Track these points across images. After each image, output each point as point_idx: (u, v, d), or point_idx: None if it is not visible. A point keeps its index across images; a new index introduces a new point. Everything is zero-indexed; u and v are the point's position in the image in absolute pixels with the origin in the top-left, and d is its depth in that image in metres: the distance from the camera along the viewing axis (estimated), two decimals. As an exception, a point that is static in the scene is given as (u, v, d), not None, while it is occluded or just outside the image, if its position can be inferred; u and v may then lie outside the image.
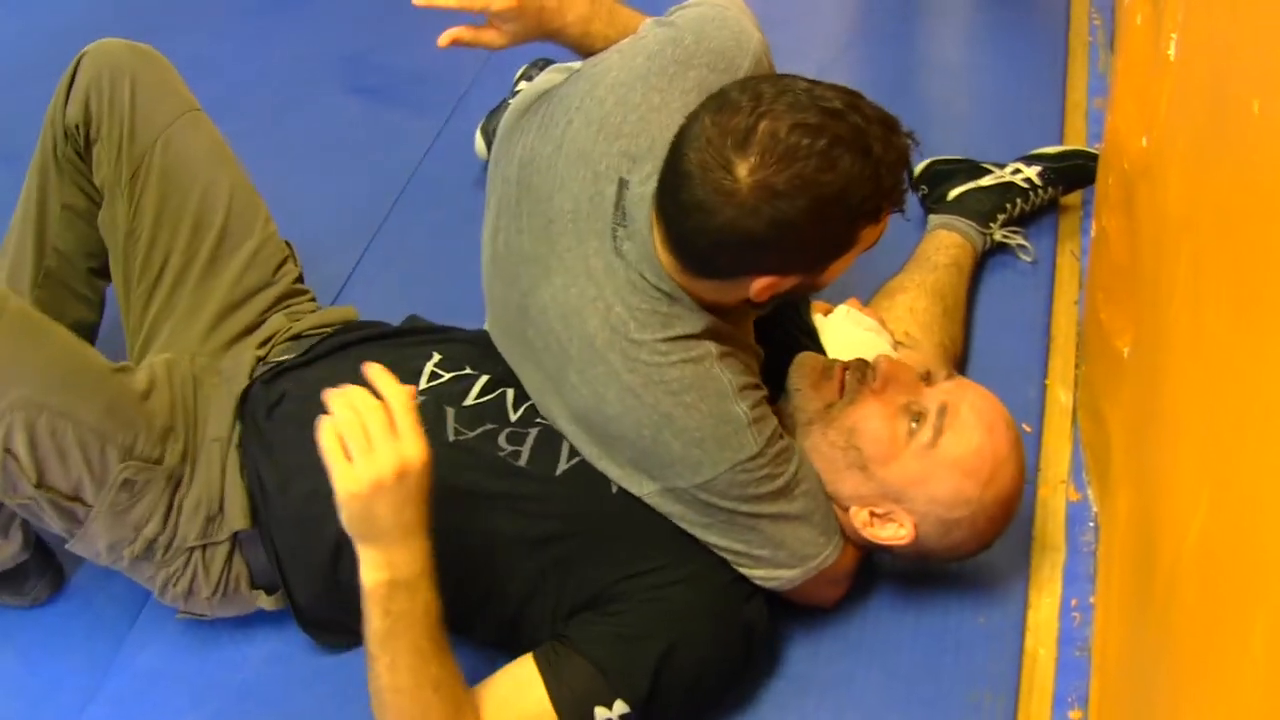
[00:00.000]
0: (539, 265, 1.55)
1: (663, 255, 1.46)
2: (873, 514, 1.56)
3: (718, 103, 1.37)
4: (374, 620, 1.37)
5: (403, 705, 1.40)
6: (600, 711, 1.43)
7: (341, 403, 1.35)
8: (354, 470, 1.32)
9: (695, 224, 1.37)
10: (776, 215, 1.32)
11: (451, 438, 1.59)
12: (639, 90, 1.53)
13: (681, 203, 1.37)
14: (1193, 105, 1.34)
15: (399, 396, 1.35)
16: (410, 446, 1.33)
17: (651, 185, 1.46)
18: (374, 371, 1.38)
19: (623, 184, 1.49)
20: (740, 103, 1.34)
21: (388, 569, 1.35)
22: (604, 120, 1.52)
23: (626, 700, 1.44)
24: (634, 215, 1.48)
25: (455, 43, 1.66)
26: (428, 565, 1.38)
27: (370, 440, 1.33)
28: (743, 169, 1.32)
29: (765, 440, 1.48)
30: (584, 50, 1.71)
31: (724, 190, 1.32)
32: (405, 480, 1.33)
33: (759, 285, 1.41)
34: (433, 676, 1.39)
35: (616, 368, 1.48)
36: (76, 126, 1.80)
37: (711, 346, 1.48)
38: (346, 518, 1.35)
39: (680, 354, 1.46)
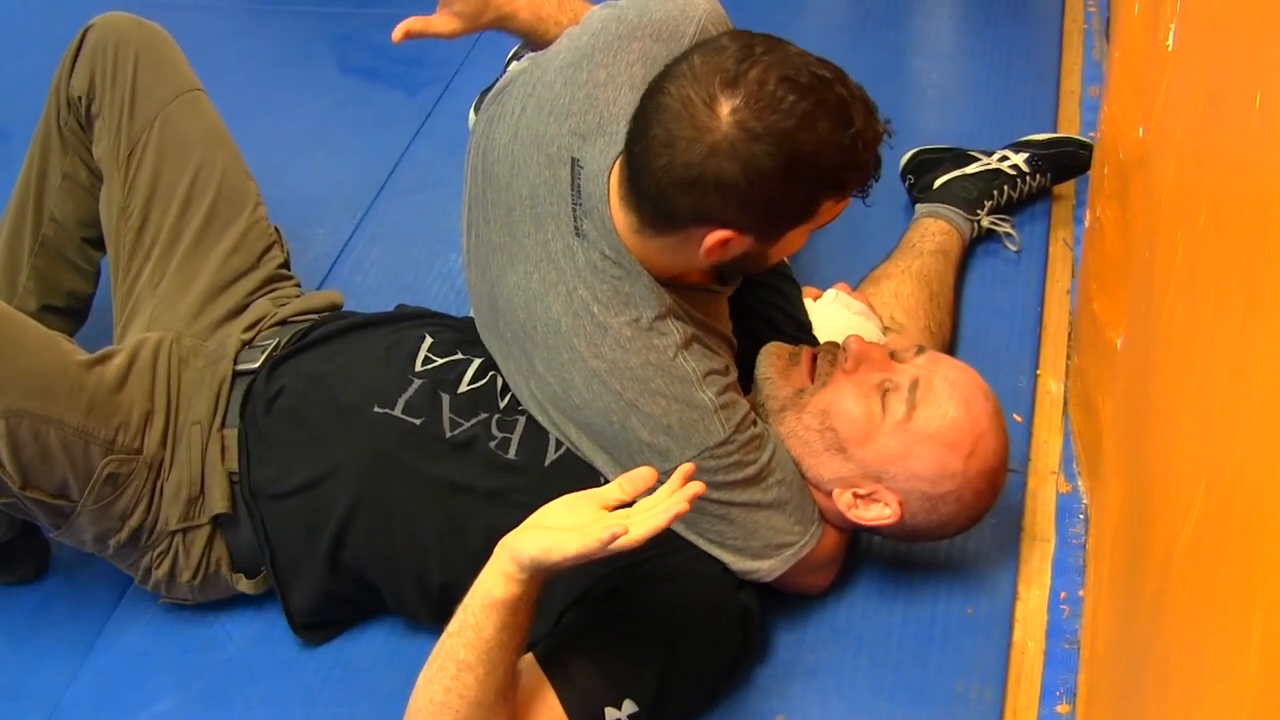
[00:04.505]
0: (504, 254, 1.55)
1: (619, 220, 1.45)
2: (856, 495, 1.55)
3: (708, 46, 1.36)
4: (488, 630, 1.31)
5: (474, 717, 1.35)
6: (610, 712, 1.41)
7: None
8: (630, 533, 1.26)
9: (664, 162, 1.35)
10: (749, 160, 1.32)
11: (449, 433, 1.58)
12: (585, 68, 1.52)
13: (652, 138, 1.35)
14: (1191, 96, 1.33)
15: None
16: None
17: (603, 160, 1.46)
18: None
19: (575, 164, 1.48)
20: (731, 49, 1.34)
21: (526, 586, 1.31)
22: (553, 102, 1.52)
23: (635, 700, 1.42)
24: (589, 192, 1.47)
25: (408, 35, 1.68)
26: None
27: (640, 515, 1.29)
28: (725, 107, 1.31)
29: (734, 427, 1.47)
30: (538, 37, 1.72)
31: (702, 125, 1.32)
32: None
33: (711, 240, 1.39)
34: (508, 695, 1.36)
35: (582, 353, 1.47)
36: (79, 98, 1.80)
37: (675, 332, 1.47)
38: (554, 540, 1.27)
39: (643, 341, 1.46)
